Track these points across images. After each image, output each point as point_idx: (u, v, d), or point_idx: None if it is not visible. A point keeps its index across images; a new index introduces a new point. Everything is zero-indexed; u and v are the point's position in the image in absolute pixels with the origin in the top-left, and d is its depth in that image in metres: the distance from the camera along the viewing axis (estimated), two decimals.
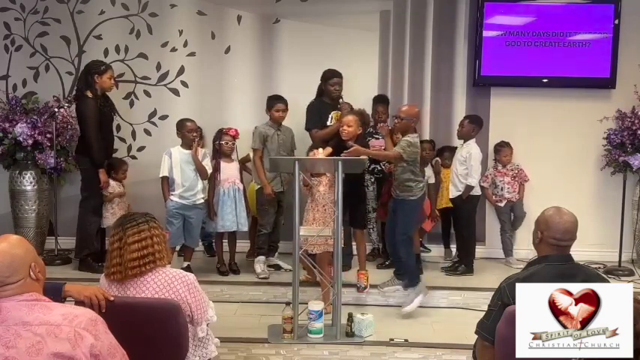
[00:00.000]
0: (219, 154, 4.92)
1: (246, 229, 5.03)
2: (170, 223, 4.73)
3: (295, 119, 5.18)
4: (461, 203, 5.14)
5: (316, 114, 5.00)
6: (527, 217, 5.38)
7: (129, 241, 2.49)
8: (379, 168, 5.34)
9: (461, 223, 5.26)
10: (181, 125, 4.84)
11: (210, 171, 4.86)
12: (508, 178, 5.46)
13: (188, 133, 4.78)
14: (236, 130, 5.01)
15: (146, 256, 2.49)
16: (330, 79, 5.00)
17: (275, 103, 4.95)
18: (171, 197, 4.78)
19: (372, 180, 5.41)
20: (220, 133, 4.97)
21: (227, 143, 4.91)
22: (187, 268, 4.61)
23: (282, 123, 5.00)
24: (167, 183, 4.80)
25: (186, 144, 4.80)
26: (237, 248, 5.15)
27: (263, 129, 4.94)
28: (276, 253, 5.19)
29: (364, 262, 4.69)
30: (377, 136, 5.32)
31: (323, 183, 4.32)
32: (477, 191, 5.17)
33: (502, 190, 5.47)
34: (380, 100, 5.40)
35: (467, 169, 5.06)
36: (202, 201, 4.89)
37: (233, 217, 4.87)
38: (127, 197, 5.24)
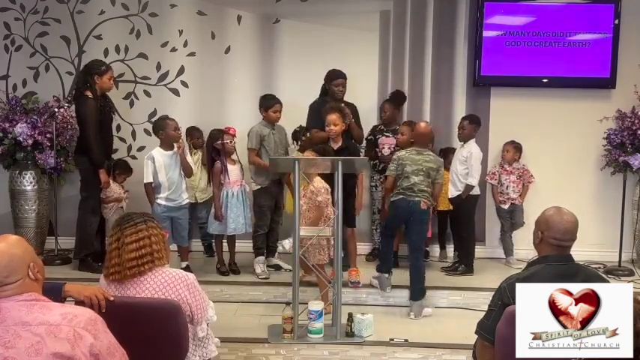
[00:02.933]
0: (224, 154, 4.86)
1: (251, 229, 5.03)
2: None
3: (295, 119, 5.19)
4: (460, 203, 5.14)
5: (317, 114, 5.00)
6: (526, 218, 5.37)
7: (126, 241, 2.49)
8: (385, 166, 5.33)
9: (460, 223, 5.24)
10: (164, 125, 4.70)
11: (194, 168, 4.90)
12: (514, 177, 5.45)
13: (174, 132, 4.68)
14: (234, 129, 5.00)
15: (144, 256, 2.49)
16: (335, 79, 4.98)
17: (273, 103, 4.92)
18: (158, 201, 4.71)
19: (381, 180, 5.40)
20: (221, 133, 4.90)
21: (230, 142, 4.87)
22: (186, 268, 4.61)
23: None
24: (151, 187, 4.72)
25: (168, 144, 4.70)
26: (238, 248, 5.14)
27: (259, 129, 4.92)
28: (277, 254, 5.19)
29: (355, 259, 4.71)
30: (387, 134, 5.33)
31: (306, 196, 4.25)
32: (476, 191, 5.17)
33: (507, 188, 5.44)
34: (392, 99, 5.44)
35: (467, 168, 5.06)
36: (187, 201, 4.89)
37: (242, 219, 4.86)
38: (125, 202, 5.26)
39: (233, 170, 4.88)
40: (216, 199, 4.85)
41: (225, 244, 5.09)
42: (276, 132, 5.00)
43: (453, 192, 5.16)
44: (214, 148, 4.88)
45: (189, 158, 4.82)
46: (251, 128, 4.98)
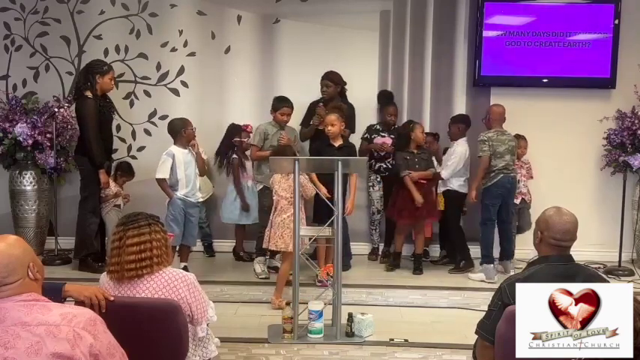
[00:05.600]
0: (240, 150, 5.19)
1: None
2: (175, 221, 4.65)
3: (294, 118, 5.19)
4: (448, 200, 5.23)
5: (308, 113, 5.17)
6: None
7: (128, 242, 2.47)
8: (385, 166, 5.34)
9: (449, 219, 5.31)
10: (183, 124, 4.72)
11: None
12: (524, 171, 5.42)
13: (191, 130, 4.73)
14: (251, 127, 5.26)
15: (143, 259, 2.46)
16: (321, 80, 5.15)
17: (282, 106, 4.99)
18: (177, 194, 4.68)
19: (378, 179, 5.40)
20: (239, 129, 5.22)
21: (247, 140, 5.18)
22: (184, 270, 4.58)
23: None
24: (166, 183, 4.69)
25: (185, 142, 4.73)
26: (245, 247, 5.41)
27: (265, 127, 5.03)
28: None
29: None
30: (383, 134, 5.34)
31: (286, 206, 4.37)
32: (464, 189, 5.21)
33: (519, 182, 5.31)
34: (389, 99, 5.45)
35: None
36: (201, 200, 4.98)
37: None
38: (123, 202, 5.30)
39: (249, 165, 5.21)
40: (241, 192, 5.20)
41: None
42: (285, 133, 5.02)
43: (440, 189, 5.25)
44: (231, 144, 5.15)
45: (204, 157, 4.98)
46: (258, 125, 5.10)
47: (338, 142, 4.67)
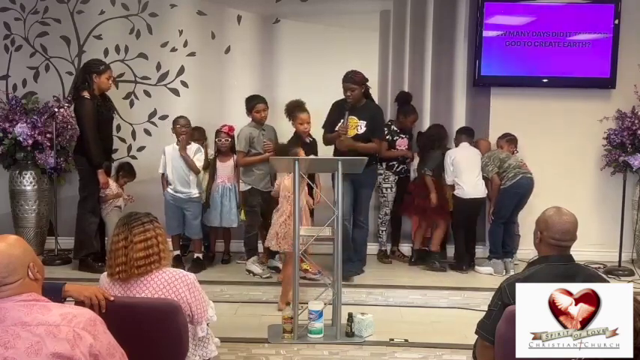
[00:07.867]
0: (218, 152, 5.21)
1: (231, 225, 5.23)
2: (167, 214, 4.97)
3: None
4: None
5: (329, 115, 4.95)
6: (528, 220, 5.36)
7: (135, 240, 2.49)
8: (406, 167, 5.37)
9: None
10: (175, 122, 5.00)
11: (200, 165, 5.00)
12: None
13: (179, 128, 4.92)
14: (229, 127, 5.14)
15: (151, 255, 2.50)
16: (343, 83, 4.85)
17: (255, 103, 4.97)
18: (168, 189, 4.97)
19: (396, 180, 5.37)
20: (217, 132, 5.18)
21: (219, 141, 5.12)
22: (197, 260, 4.99)
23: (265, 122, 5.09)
24: (163, 178, 5.05)
25: (177, 139, 4.99)
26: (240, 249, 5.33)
27: (248, 130, 4.98)
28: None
29: None
30: (402, 135, 5.32)
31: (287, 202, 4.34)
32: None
33: None
34: (408, 101, 5.40)
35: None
36: (197, 195, 5.02)
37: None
38: (124, 202, 5.29)
39: (221, 167, 5.14)
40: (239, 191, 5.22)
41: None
42: (266, 132, 5.04)
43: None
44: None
45: (197, 157, 4.96)
46: (240, 130, 5.03)
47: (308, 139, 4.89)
